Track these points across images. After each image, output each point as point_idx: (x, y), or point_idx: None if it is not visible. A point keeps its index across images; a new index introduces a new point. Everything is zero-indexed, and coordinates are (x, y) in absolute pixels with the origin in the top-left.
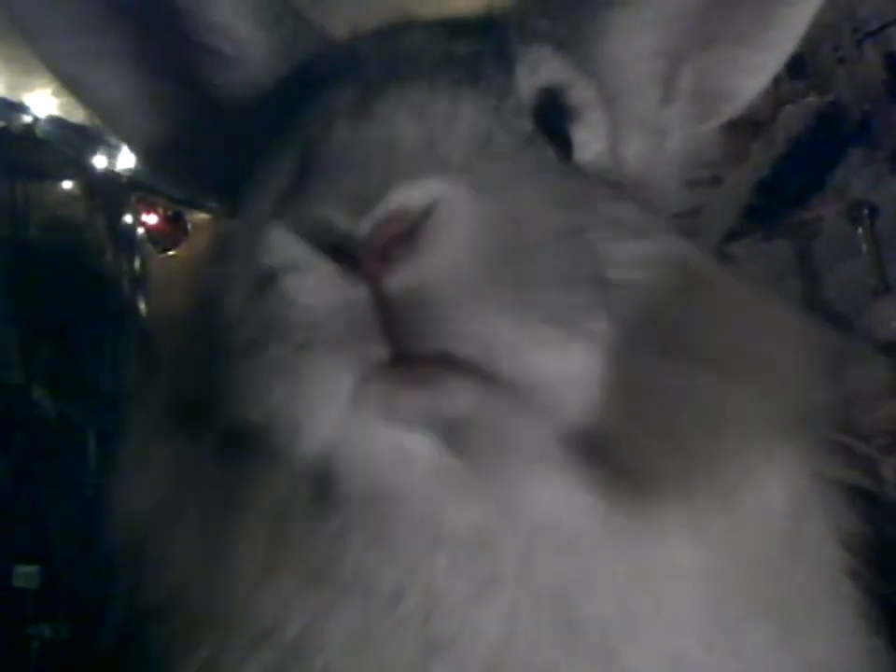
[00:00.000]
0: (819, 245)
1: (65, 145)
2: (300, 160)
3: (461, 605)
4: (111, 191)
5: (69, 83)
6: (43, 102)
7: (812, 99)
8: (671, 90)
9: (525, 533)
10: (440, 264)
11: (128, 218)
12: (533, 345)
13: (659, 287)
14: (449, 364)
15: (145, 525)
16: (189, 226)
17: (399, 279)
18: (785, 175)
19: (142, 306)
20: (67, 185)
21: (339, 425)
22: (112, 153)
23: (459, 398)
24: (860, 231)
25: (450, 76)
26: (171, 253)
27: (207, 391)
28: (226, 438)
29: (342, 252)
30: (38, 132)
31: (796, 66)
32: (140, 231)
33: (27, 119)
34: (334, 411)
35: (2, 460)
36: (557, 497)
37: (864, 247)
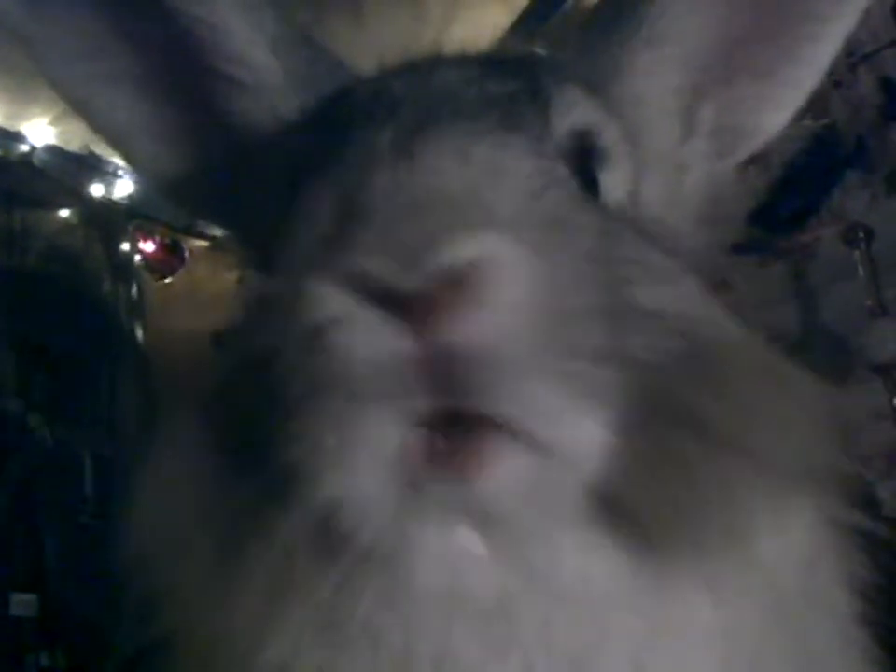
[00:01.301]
0: (815, 267)
1: (63, 173)
2: (340, 206)
3: (474, 667)
4: (108, 220)
5: (78, 107)
6: (40, 131)
7: (808, 122)
8: (692, 126)
9: (547, 596)
10: (489, 322)
11: (125, 246)
12: (570, 411)
13: (680, 356)
14: (489, 426)
15: (161, 554)
16: (187, 254)
17: (449, 333)
18: (781, 199)
19: (139, 334)
20: (65, 213)
21: (375, 485)
22: (109, 181)
23: (496, 471)
24: (856, 253)
25: (489, 118)
26: (168, 280)
27: (254, 436)
28: (266, 482)
29: (388, 303)
30: (36, 161)
31: None
32: (137, 258)
33: (24, 148)
34: (373, 469)
35: None
36: (579, 561)
37: (860, 270)
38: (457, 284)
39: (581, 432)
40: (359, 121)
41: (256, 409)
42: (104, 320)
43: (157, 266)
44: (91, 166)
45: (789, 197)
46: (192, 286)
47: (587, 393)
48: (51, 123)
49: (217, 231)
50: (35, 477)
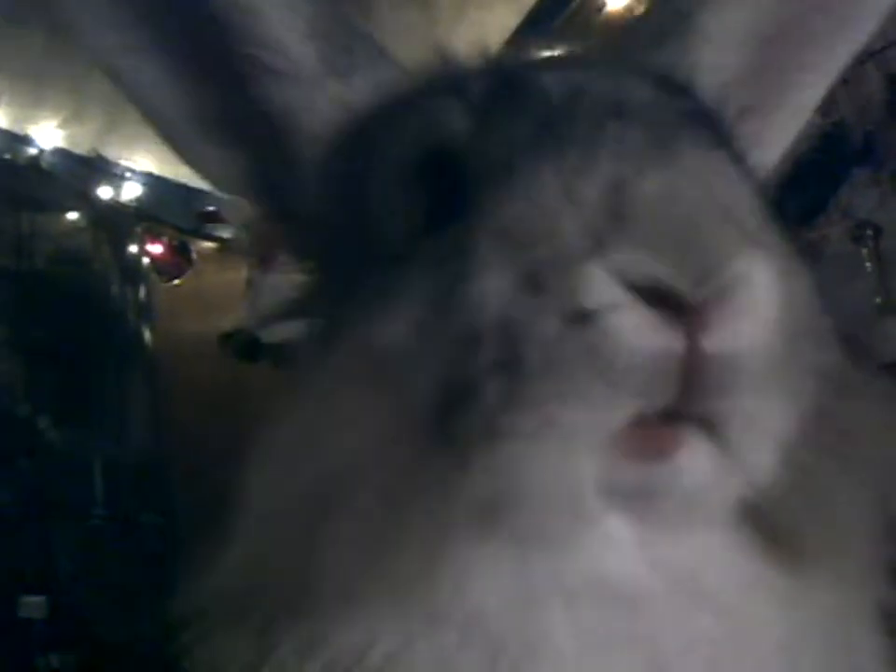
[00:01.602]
0: (823, 265)
1: (70, 176)
2: (606, 198)
3: (604, 658)
4: (116, 222)
5: (114, 79)
6: (48, 134)
7: (816, 120)
8: None
9: (687, 593)
10: (749, 335)
11: (133, 249)
12: (772, 425)
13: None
14: (704, 429)
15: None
16: (195, 255)
17: (715, 341)
18: (789, 196)
19: (147, 335)
20: (73, 216)
21: (582, 467)
22: (117, 184)
23: (692, 471)
24: (864, 251)
25: (704, 133)
26: (176, 282)
27: (474, 395)
28: (466, 449)
29: (667, 305)
30: (43, 164)
31: None
32: (146, 260)
33: (32, 151)
34: (588, 452)
35: (8, 491)
36: (724, 561)
37: (869, 267)
38: (729, 296)
39: (771, 441)
40: (580, 118)
41: (481, 370)
42: (112, 322)
43: (165, 268)
44: (98, 169)
45: (797, 195)
46: (200, 288)
47: (792, 407)
48: (59, 126)
49: (226, 233)
50: (44, 479)
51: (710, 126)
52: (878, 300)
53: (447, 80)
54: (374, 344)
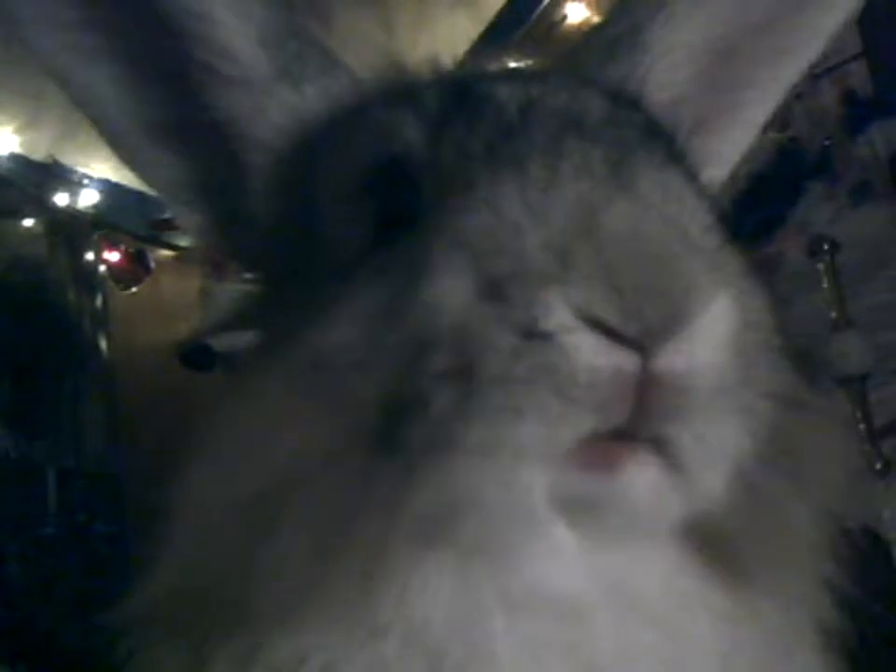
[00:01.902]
0: (780, 279)
1: (27, 182)
2: (572, 220)
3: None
4: (73, 229)
5: (59, 79)
6: (4, 140)
7: (772, 134)
8: None
9: (626, 607)
10: (702, 357)
11: (90, 256)
12: (722, 446)
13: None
14: (653, 447)
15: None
16: (152, 263)
17: (668, 362)
18: (746, 211)
19: (103, 344)
20: (29, 223)
21: (534, 479)
22: (74, 191)
23: (639, 485)
24: (820, 265)
25: (661, 151)
26: (133, 290)
27: (422, 404)
28: (414, 460)
29: (617, 338)
30: (0, 169)
31: None
32: (102, 268)
33: None
34: (541, 465)
35: None
36: (665, 576)
37: (825, 282)
38: (682, 319)
39: (721, 460)
40: (537, 130)
41: (436, 384)
42: (68, 331)
43: (122, 276)
44: (55, 175)
45: (754, 209)
46: (157, 296)
47: (744, 426)
48: (16, 132)
49: (183, 241)
50: None
51: (665, 141)
52: (834, 314)
53: (401, 91)
54: (319, 353)
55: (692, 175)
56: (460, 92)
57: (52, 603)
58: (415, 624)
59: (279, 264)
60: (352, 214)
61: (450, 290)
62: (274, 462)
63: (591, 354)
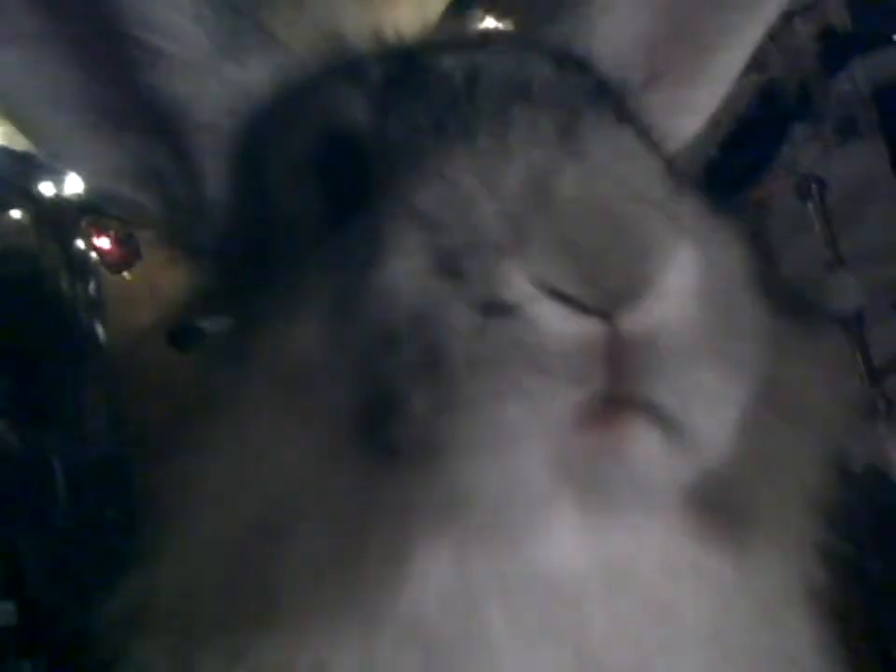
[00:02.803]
0: (771, 223)
1: (11, 174)
2: (525, 188)
3: (529, 647)
4: (61, 218)
5: None
6: None
7: (752, 77)
8: None
9: (618, 588)
10: (669, 312)
11: (80, 243)
12: (715, 399)
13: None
14: (645, 410)
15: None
16: (142, 246)
17: (634, 320)
18: (732, 156)
19: (100, 330)
20: (16, 214)
21: (529, 461)
22: (58, 179)
23: (638, 447)
24: (810, 206)
25: (610, 111)
26: (125, 275)
27: (396, 408)
28: (406, 454)
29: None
30: None
31: None
32: (93, 255)
33: None
34: (532, 445)
35: None
36: (662, 547)
37: (816, 222)
38: (644, 276)
39: (716, 415)
40: (485, 100)
41: (408, 378)
42: (64, 319)
43: (113, 261)
44: (39, 165)
45: (739, 154)
46: (150, 279)
47: (736, 377)
48: None
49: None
50: (3, 483)
51: (613, 101)
52: (827, 254)
53: (345, 66)
54: (287, 359)
55: (643, 132)
56: (404, 65)
57: (69, 595)
58: (410, 618)
59: (235, 248)
60: (302, 194)
61: (404, 272)
62: (266, 480)
63: (557, 321)
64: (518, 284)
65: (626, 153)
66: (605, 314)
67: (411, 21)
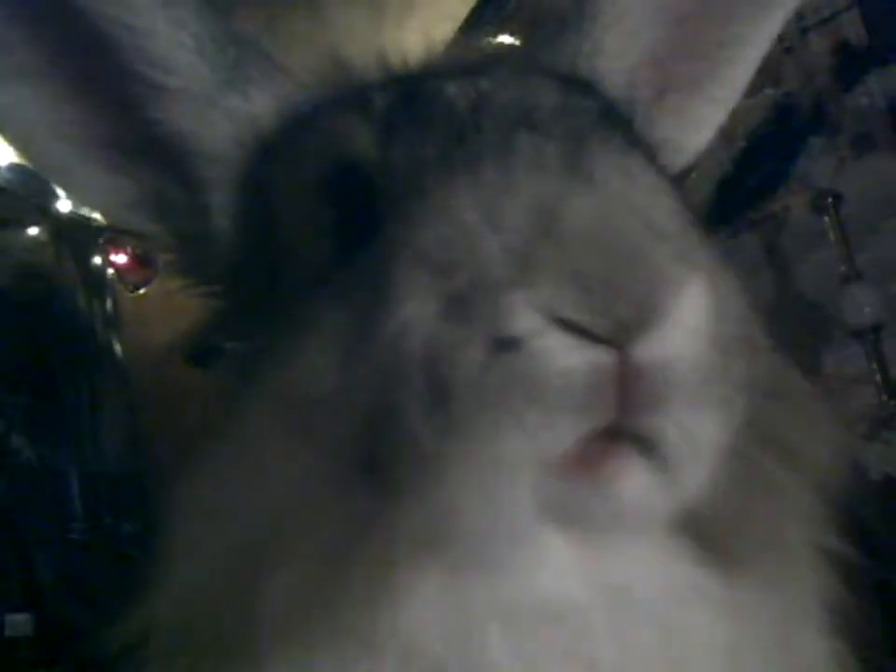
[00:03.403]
0: (786, 236)
1: (28, 191)
2: (529, 222)
3: None
4: (78, 235)
5: None
6: (3, 150)
7: (768, 91)
8: None
9: (621, 608)
10: (680, 343)
11: (97, 261)
12: (706, 436)
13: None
14: (641, 445)
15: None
16: (160, 263)
17: (644, 351)
18: (747, 169)
19: (117, 346)
20: (33, 231)
21: (524, 492)
22: None
23: (631, 488)
24: (825, 219)
25: (618, 136)
26: (142, 292)
27: (406, 439)
28: (399, 486)
29: (587, 336)
30: (0, 180)
31: None
32: (110, 271)
33: None
34: (529, 478)
35: None
36: (660, 572)
37: (831, 236)
38: (655, 307)
39: (705, 452)
40: (489, 129)
41: (408, 410)
42: (81, 336)
43: (130, 278)
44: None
45: (755, 167)
46: (167, 295)
47: (724, 417)
48: None
49: None
50: (21, 498)
51: (622, 125)
52: (843, 267)
53: (349, 94)
54: (295, 387)
55: (652, 157)
56: (409, 93)
57: (84, 608)
58: (412, 641)
59: (244, 278)
60: (310, 224)
61: (415, 312)
62: (265, 504)
63: (563, 355)
64: (525, 317)
65: (636, 180)
66: (615, 343)
67: (417, 43)
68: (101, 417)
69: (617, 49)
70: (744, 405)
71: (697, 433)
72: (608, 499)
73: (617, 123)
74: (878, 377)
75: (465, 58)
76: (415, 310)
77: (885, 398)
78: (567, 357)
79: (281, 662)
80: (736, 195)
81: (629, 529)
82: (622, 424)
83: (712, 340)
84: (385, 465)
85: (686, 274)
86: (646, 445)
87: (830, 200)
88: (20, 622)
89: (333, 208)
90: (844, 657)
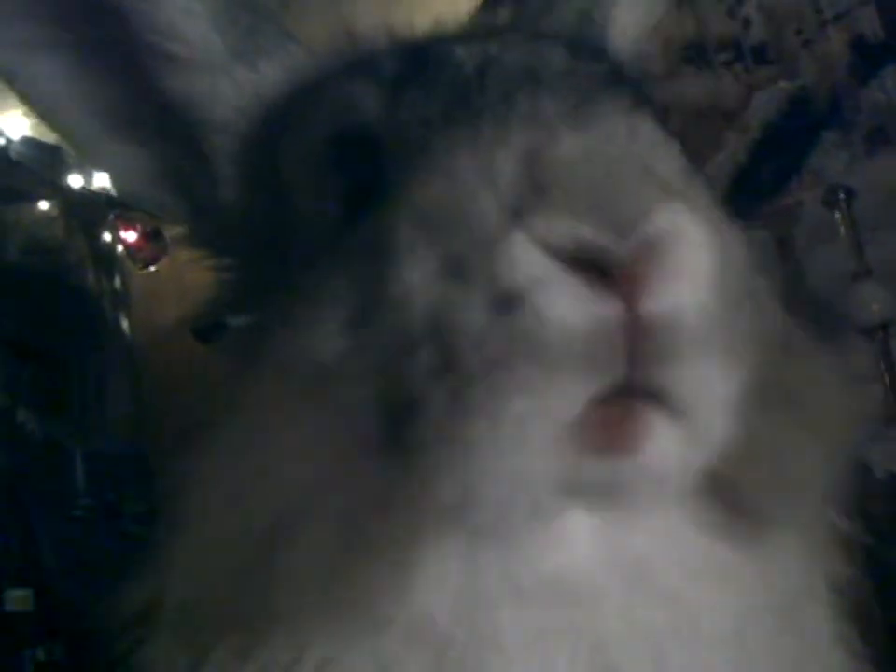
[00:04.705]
0: (798, 231)
1: (40, 165)
2: (522, 169)
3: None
4: (88, 210)
5: (4, 76)
6: (15, 123)
7: (783, 84)
8: None
9: (634, 584)
10: (688, 294)
11: (107, 237)
12: (721, 387)
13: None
14: (651, 399)
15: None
16: (169, 241)
17: (653, 302)
18: (761, 162)
19: (125, 324)
20: (44, 206)
21: (542, 460)
22: (87, 172)
23: (654, 441)
24: (837, 214)
25: (625, 95)
26: (152, 269)
27: (410, 409)
28: (419, 455)
29: (593, 269)
30: (12, 154)
31: (761, 52)
32: (119, 248)
33: (0, 141)
34: (545, 444)
35: None
36: (677, 543)
37: (843, 231)
38: (660, 254)
39: (723, 406)
40: (494, 90)
41: (426, 382)
42: (88, 312)
43: (140, 255)
44: (67, 157)
45: (769, 160)
46: (176, 273)
47: (737, 370)
48: (26, 115)
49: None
50: (25, 472)
51: (629, 88)
52: (853, 264)
53: (358, 61)
54: (306, 355)
55: (661, 120)
56: (417, 57)
57: (85, 584)
58: (420, 617)
59: (254, 249)
60: (318, 191)
61: (417, 275)
62: (282, 481)
63: (567, 310)
64: (523, 262)
65: (640, 134)
66: (622, 290)
67: (425, 19)
68: (106, 394)
69: (627, 23)
70: (754, 357)
71: (715, 384)
72: (633, 469)
73: (625, 86)
74: (886, 375)
75: (475, 25)
76: (417, 272)
77: (892, 396)
78: (571, 312)
79: (292, 635)
80: (750, 188)
81: (652, 498)
82: (634, 380)
83: (720, 289)
84: (405, 441)
85: (686, 212)
86: (663, 400)
87: (842, 195)
88: (20, 597)
89: (341, 174)
90: (850, 640)
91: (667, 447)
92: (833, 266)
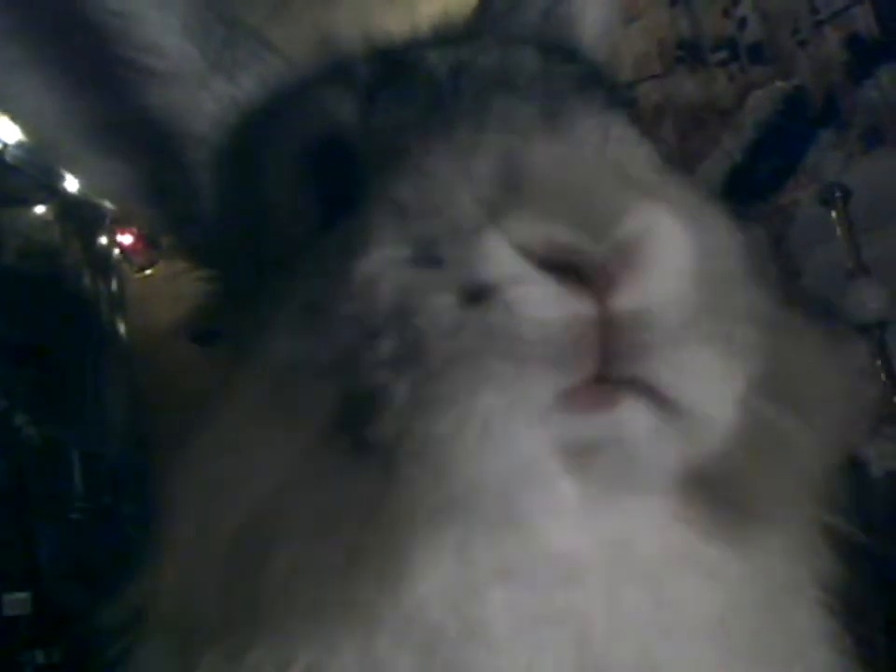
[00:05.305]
0: (794, 230)
1: (36, 169)
2: (497, 172)
3: (531, 633)
4: (85, 214)
5: None
6: (11, 127)
7: (779, 83)
8: None
9: (619, 566)
10: (660, 290)
11: (103, 240)
12: (712, 378)
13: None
14: (639, 388)
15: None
16: (165, 245)
17: (625, 300)
18: (757, 162)
19: (121, 327)
20: (40, 209)
21: (525, 450)
22: None
23: (634, 422)
24: (832, 213)
25: (597, 97)
26: (148, 272)
27: (381, 402)
28: (394, 449)
29: (569, 269)
30: (8, 157)
31: (756, 52)
32: (116, 251)
33: None
34: (525, 435)
35: None
36: (662, 530)
37: (838, 230)
38: (632, 253)
39: (714, 396)
40: (468, 93)
41: (388, 372)
42: (85, 315)
43: (136, 259)
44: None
45: (764, 159)
46: (172, 277)
47: (733, 356)
48: None
49: None
50: (23, 475)
51: (603, 89)
52: (849, 262)
53: (333, 68)
54: (277, 360)
55: (635, 120)
56: (391, 63)
57: (83, 587)
58: (408, 615)
59: (234, 258)
60: (295, 198)
61: (382, 262)
62: (263, 481)
63: (539, 306)
64: (496, 260)
65: (615, 137)
66: (594, 288)
67: (402, 24)
68: (103, 397)
69: (596, 22)
70: (745, 347)
71: (698, 373)
72: (610, 430)
73: (598, 87)
74: (882, 373)
75: (447, 30)
76: (384, 255)
77: (890, 395)
78: (541, 308)
79: (283, 633)
80: (745, 187)
81: (638, 476)
82: (606, 375)
83: (700, 284)
84: (372, 435)
85: (660, 210)
86: (647, 390)
87: (837, 194)
88: (18, 600)
89: (317, 180)
90: (837, 637)
91: (644, 422)
92: (830, 265)
